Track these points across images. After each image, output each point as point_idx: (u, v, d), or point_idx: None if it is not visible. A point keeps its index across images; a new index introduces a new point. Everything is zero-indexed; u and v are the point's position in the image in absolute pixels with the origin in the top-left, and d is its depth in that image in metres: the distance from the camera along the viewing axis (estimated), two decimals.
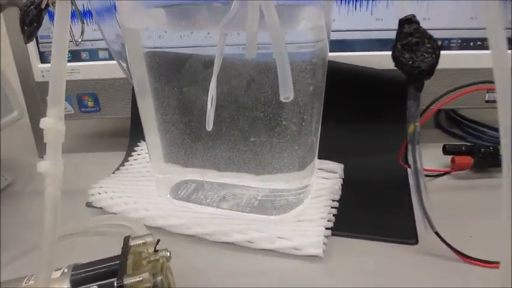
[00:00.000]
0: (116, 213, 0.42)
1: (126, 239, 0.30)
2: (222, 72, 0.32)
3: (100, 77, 0.55)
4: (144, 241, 0.29)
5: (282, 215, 0.39)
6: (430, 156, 0.50)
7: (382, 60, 0.49)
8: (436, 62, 0.27)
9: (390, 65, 0.28)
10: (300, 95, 0.35)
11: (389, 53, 0.28)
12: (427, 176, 0.47)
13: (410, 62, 0.28)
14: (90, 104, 0.56)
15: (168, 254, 0.29)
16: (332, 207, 0.41)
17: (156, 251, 0.29)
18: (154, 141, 0.42)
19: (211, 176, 0.42)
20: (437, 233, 0.34)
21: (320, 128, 0.39)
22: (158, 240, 0.30)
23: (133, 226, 0.38)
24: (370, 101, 0.51)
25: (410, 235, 0.38)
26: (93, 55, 0.54)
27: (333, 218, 0.40)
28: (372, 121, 0.51)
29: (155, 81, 0.39)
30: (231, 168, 0.40)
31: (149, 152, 0.44)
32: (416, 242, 0.37)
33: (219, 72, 0.32)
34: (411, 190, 0.44)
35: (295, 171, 0.38)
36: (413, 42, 0.27)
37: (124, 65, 0.43)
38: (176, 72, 0.38)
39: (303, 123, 0.36)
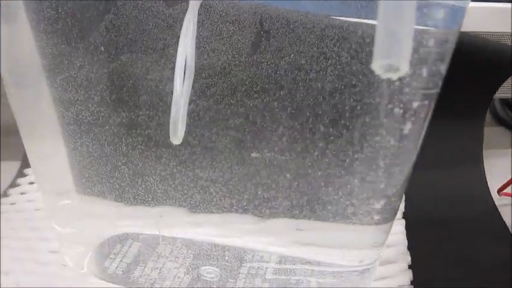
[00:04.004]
0: None
1: None
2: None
3: None
4: None
5: None
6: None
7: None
8: None
9: None
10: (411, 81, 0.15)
11: None
12: None
13: None
14: None
15: None
16: None
17: None
18: (51, 157, 0.21)
19: (174, 225, 0.21)
20: None
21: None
22: None
23: None
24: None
25: None
26: None
27: None
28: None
29: (51, 42, 0.17)
30: (213, 205, 0.20)
31: (38, 179, 0.22)
32: None
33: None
34: None
35: (361, 226, 0.18)
36: None
37: None
38: (94, 20, 0.17)
39: (402, 133, 0.16)
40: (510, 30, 0.31)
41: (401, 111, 0.15)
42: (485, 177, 0.31)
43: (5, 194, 0.28)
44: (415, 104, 0.15)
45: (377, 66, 0.12)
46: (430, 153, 0.32)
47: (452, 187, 0.29)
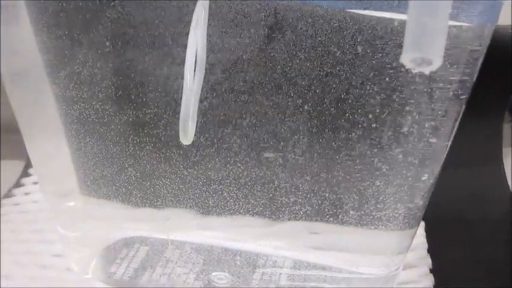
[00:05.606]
0: None
1: None
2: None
3: None
4: None
5: None
6: None
7: None
8: None
9: None
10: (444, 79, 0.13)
11: None
12: None
13: None
14: None
15: None
16: None
17: None
18: (54, 158, 0.20)
19: (183, 228, 0.20)
20: None
21: None
22: None
23: None
24: None
25: None
26: None
27: None
28: None
29: (52, 36, 0.16)
30: (225, 208, 0.18)
31: (40, 180, 0.21)
32: None
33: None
34: None
35: (385, 231, 0.17)
36: None
37: None
38: (98, 13, 0.16)
39: (431, 134, 0.14)
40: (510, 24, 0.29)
41: (431, 111, 0.14)
42: (505, 176, 0.30)
43: (9, 194, 0.27)
44: (446, 104, 0.14)
45: (407, 59, 0.11)
46: (449, 152, 0.31)
47: (473, 187, 0.28)
